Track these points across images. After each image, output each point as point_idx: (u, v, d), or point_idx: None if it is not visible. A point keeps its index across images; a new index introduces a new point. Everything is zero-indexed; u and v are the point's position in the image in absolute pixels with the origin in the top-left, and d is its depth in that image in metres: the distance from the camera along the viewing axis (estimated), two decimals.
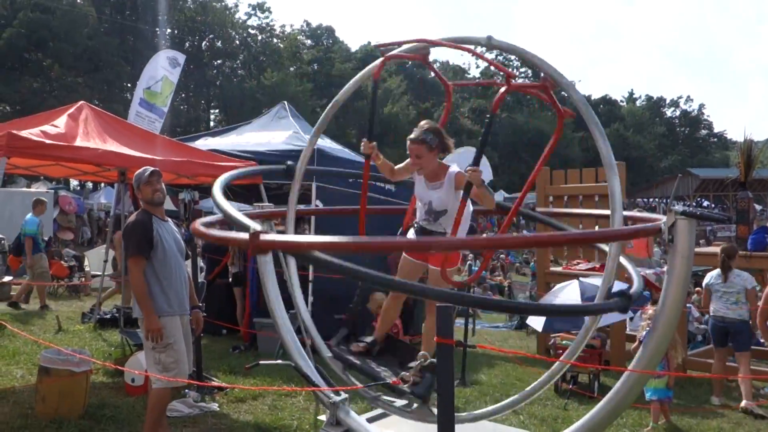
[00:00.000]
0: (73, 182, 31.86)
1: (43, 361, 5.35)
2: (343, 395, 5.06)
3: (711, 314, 7.57)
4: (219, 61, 51.62)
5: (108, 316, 9.66)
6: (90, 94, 37.82)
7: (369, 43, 60.88)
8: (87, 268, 14.24)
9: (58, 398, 5.19)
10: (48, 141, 5.63)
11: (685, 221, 3.15)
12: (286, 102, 12.02)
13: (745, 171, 8.56)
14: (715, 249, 8.59)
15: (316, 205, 8.39)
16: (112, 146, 6.26)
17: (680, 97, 74.78)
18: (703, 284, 7.79)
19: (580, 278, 7.53)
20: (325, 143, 10.64)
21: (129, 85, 42.86)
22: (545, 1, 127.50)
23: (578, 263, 9.99)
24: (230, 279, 9.48)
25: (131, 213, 10.39)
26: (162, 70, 13.02)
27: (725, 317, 7.31)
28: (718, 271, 7.51)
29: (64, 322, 9.55)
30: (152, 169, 4.80)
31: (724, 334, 7.41)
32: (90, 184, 30.45)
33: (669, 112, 73.88)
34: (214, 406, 5.92)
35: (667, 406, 6.39)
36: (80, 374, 5.34)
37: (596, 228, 8.80)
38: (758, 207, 28.73)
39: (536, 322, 7.34)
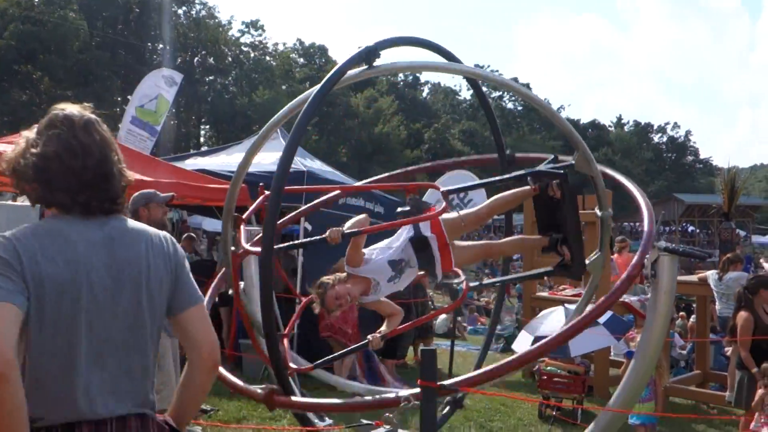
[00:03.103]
0: None
1: None
2: (328, 420, 5.09)
3: (718, 315, 8.20)
4: (211, 78, 51.71)
5: None
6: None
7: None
8: None
9: None
10: None
11: (668, 257, 3.20)
12: None
13: (729, 202, 8.68)
14: (696, 277, 8.72)
15: (305, 228, 8.41)
16: None
17: (667, 123, 75.58)
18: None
19: (566, 304, 7.59)
20: (315, 165, 10.69)
21: (119, 99, 42.82)
22: (544, 24, 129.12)
23: (564, 288, 10.05)
24: (216, 299, 9.43)
25: None
26: (157, 88, 13.01)
27: (729, 318, 7.63)
28: (715, 272, 7.90)
29: None
30: (172, 193, 4.94)
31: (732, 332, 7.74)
32: None
33: (656, 138, 74.62)
34: (198, 429, 5.90)
35: None
36: None
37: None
38: (742, 233, 28.98)
39: (522, 347, 7.36)
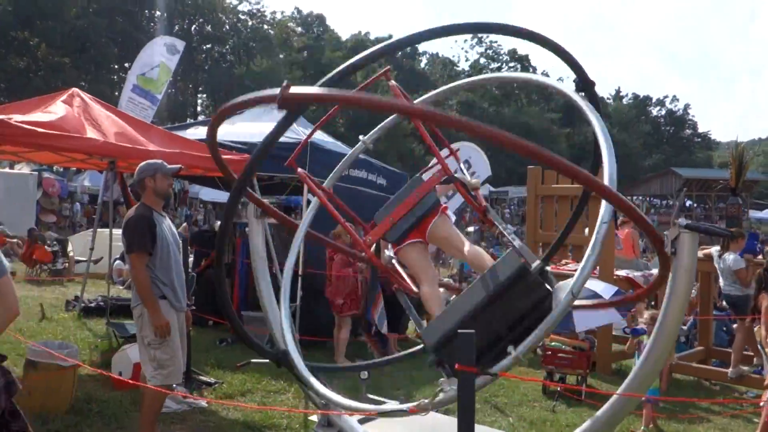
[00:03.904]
0: None
1: (30, 355, 5.25)
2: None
3: (722, 291, 8.33)
4: (208, 46, 51.13)
5: (93, 305, 9.56)
6: (77, 74, 37.33)
7: (360, 32, 60.67)
8: (71, 253, 14.06)
9: (44, 393, 5.08)
10: (40, 129, 5.50)
11: (689, 235, 3.11)
12: None
13: (736, 177, 8.59)
14: (701, 253, 8.66)
15: (308, 200, 8.31)
16: (105, 136, 6.14)
17: (666, 97, 75.11)
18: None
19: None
20: (317, 136, 10.54)
21: (116, 66, 42.35)
22: None
23: (567, 263, 9.98)
24: None
25: (117, 201, 10.27)
26: (159, 56, 12.74)
27: (730, 294, 7.92)
28: (717, 249, 8.13)
29: (48, 309, 9.42)
30: (179, 165, 4.86)
31: (733, 307, 8.06)
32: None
33: (655, 111, 74.26)
34: (203, 402, 5.86)
35: (654, 410, 6.42)
36: (68, 369, 5.24)
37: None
38: None
39: None
